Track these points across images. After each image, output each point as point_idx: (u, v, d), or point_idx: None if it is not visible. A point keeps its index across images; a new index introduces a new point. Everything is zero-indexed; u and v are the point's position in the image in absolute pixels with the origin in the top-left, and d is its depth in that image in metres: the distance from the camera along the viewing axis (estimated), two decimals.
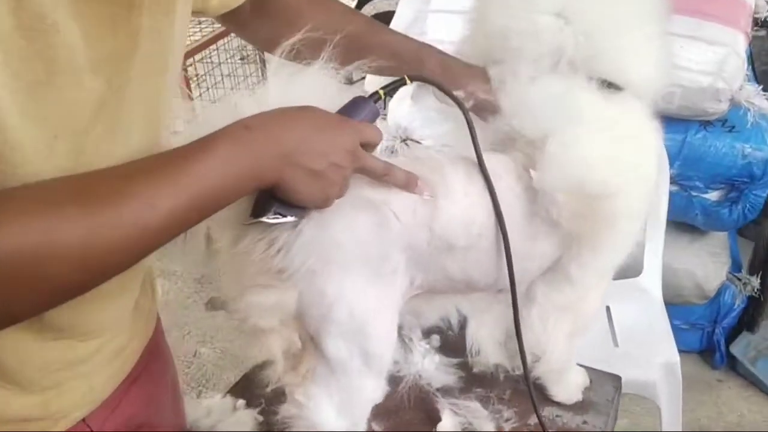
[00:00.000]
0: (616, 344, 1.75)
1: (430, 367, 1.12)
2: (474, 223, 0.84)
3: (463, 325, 1.02)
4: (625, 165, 0.89)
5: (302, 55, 0.77)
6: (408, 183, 0.79)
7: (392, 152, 1.95)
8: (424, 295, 0.90)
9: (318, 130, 0.69)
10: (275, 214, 0.70)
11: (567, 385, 1.06)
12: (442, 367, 1.12)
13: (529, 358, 0.95)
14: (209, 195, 0.62)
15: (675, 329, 1.89)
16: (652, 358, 1.70)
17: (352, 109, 0.78)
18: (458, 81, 0.92)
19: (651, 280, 1.90)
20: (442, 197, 0.82)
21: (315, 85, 0.77)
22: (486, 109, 0.92)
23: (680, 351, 1.79)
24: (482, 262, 0.87)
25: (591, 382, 1.10)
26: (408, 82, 0.82)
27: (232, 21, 0.98)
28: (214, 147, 0.62)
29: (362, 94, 0.80)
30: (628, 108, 0.92)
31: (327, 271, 0.76)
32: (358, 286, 0.78)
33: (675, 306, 2.17)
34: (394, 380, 1.02)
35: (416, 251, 0.82)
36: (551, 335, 0.97)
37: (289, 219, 0.72)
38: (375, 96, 0.80)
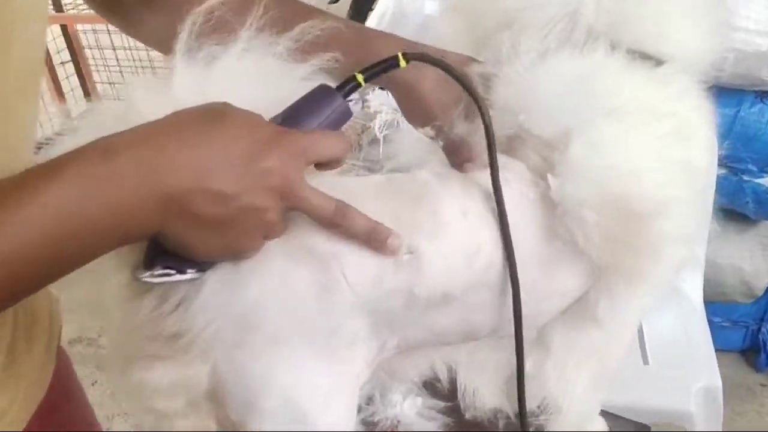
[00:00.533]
0: (645, 362, 1.50)
1: (410, 411, 0.91)
2: (479, 252, 0.63)
3: (451, 372, 0.81)
4: (678, 172, 0.66)
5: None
6: (371, 239, 0.57)
7: (396, 126, 1.71)
8: (401, 352, 0.68)
9: (225, 154, 0.49)
10: (164, 269, 0.51)
11: None
12: (426, 411, 0.92)
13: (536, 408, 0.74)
14: (66, 234, 0.45)
15: (714, 327, 1.64)
16: (690, 381, 1.45)
17: (306, 107, 0.56)
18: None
19: (691, 282, 1.64)
20: (430, 240, 0.60)
21: (245, 71, 0.56)
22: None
23: (718, 350, 1.54)
24: (490, 302, 0.66)
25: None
26: (402, 62, 0.59)
27: (106, 7, 0.75)
28: (60, 175, 0.45)
29: (327, 83, 0.58)
30: (675, 88, 0.69)
31: (249, 342, 0.55)
32: (295, 364, 0.57)
33: (715, 304, 1.94)
34: (366, 426, 0.86)
35: (388, 314, 0.61)
36: (569, 388, 0.75)
37: (183, 277, 0.52)
38: (348, 85, 0.58)
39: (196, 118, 0.50)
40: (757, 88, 1.79)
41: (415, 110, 0.73)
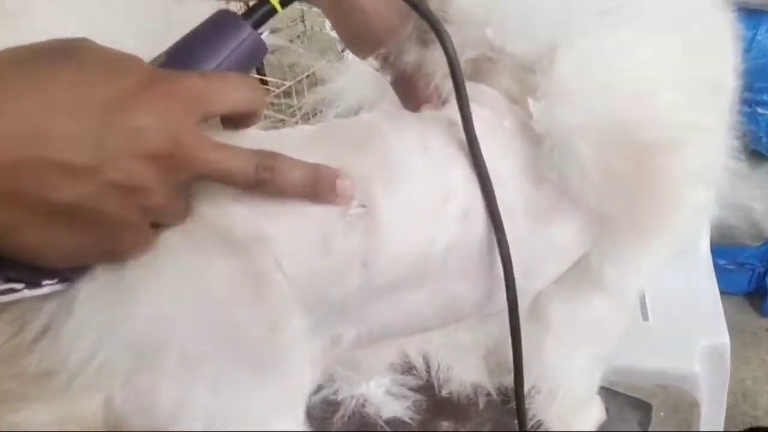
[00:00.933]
0: (645, 317, 1.35)
1: (378, 389, 0.77)
2: (449, 197, 0.48)
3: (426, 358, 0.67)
4: (699, 92, 0.51)
5: None
6: (315, 188, 0.42)
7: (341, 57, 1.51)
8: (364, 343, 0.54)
9: (73, 107, 0.33)
10: (5, 282, 0.35)
11: (580, 425, 0.70)
12: (396, 388, 0.77)
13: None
14: None
15: (718, 270, 1.50)
16: (695, 338, 1.31)
17: (200, 41, 0.41)
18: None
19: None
20: (384, 189, 0.46)
21: None
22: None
23: (723, 293, 1.41)
24: (471, 266, 0.51)
25: (607, 412, 0.75)
26: None
27: None
28: None
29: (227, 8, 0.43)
30: None
31: (152, 365, 0.40)
32: (218, 384, 0.42)
33: (720, 246, 1.80)
34: (328, 406, 0.72)
35: (340, 301, 0.47)
36: (568, 367, 0.61)
37: (37, 291, 0.36)
38: (259, 10, 0.43)
39: (35, 56, 0.34)
40: None
41: (353, 31, 0.57)
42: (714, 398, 1.33)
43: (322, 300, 0.45)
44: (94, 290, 0.38)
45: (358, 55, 0.59)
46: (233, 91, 0.39)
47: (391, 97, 0.60)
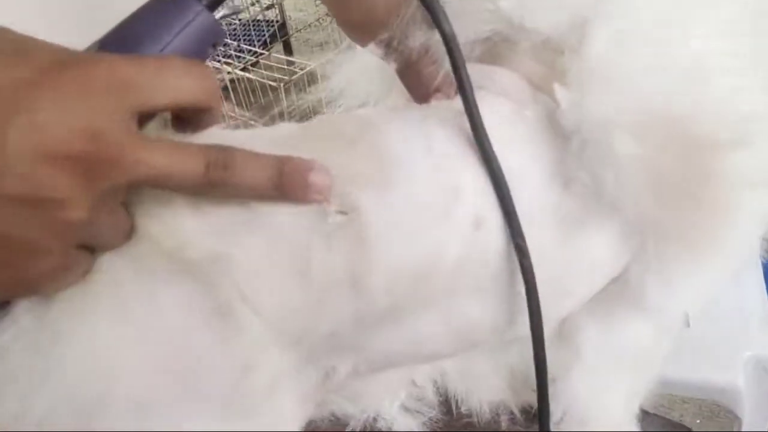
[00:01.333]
0: (686, 323, 1.23)
1: (391, 405, 0.68)
2: (457, 201, 0.40)
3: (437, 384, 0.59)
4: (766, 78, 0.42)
5: None
6: (283, 183, 0.34)
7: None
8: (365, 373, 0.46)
9: None
10: None
11: None
12: (412, 402, 0.68)
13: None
14: None
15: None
16: (739, 349, 1.20)
17: (141, 23, 0.34)
18: None
19: None
20: (376, 192, 0.38)
21: None
22: None
23: None
24: (486, 284, 0.42)
25: None
26: None
27: None
28: None
29: None
30: None
31: (98, 419, 0.32)
32: None
33: None
34: (336, 421, 0.62)
35: (328, 333, 0.39)
36: (602, 400, 0.52)
37: None
38: None
39: None
40: None
41: (350, 15, 0.49)
42: (757, 417, 1.23)
43: (307, 332, 0.37)
44: (16, 333, 0.31)
45: (357, 42, 0.51)
46: (175, 78, 0.31)
47: (400, 91, 0.52)
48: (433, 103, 0.46)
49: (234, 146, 0.33)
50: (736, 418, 1.17)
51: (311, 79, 1.77)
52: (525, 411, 0.66)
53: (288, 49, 2.26)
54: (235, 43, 2.05)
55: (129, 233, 0.33)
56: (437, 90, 0.47)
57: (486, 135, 0.39)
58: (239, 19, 2.09)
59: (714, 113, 0.39)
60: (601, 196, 0.41)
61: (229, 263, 0.34)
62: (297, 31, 2.29)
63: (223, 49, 2.00)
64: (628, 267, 0.46)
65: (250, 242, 0.34)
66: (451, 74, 0.44)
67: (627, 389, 0.52)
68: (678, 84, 0.40)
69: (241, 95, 2.12)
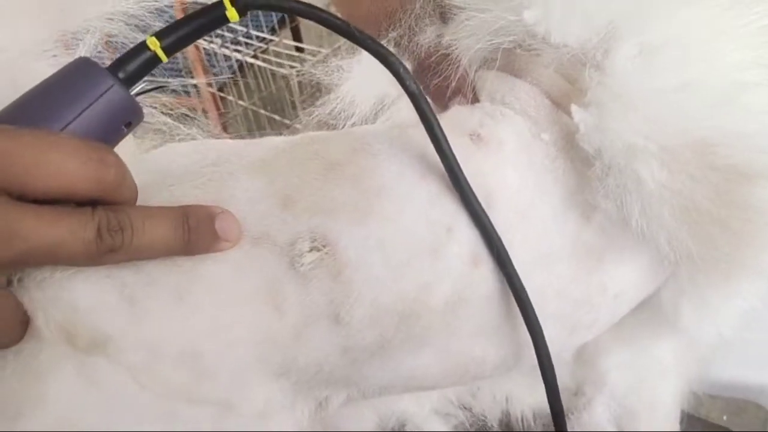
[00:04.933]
0: None
1: (421, 407, 0.65)
2: (450, 237, 0.37)
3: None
4: None
5: None
6: (189, 239, 0.31)
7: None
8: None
9: None
10: None
11: None
12: (443, 403, 0.65)
13: None
14: None
15: None
16: None
17: (46, 97, 0.30)
18: None
19: None
20: (354, 225, 0.35)
21: None
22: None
23: None
24: (487, 323, 0.40)
25: None
26: (231, 12, 0.32)
27: None
28: None
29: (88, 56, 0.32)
30: None
31: None
32: None
33: None
34: None
35: (313, 368, 0.36)
36: (635, 419, 0.49)
37: None
38: (133, 60, 0.32)
39: None
40: None
41: (357, 4, 0.46)
42: None
43: (291, 363, 0.35)
44: None
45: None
46: (59, 160, 0.27)
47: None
48: (446, 116, 0.43)
49: (126, 205, 0.30)
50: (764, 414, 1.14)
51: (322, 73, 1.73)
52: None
53: (297, 35, 2.22)
54: (244, 29, 2.01)
55: (20, 329, 0.29)
56: (458, 92, 0.44)
57: (467, 184, 0.36)
58: None
59: (747, 137, 0.36)
60: (627, 225, 0.38)
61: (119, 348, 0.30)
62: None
63: (231, 35, 1.97)
64: (659, 292, 0.43)
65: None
66: (468, 73, 0.41)
67: (667, 403, 0.49)
68: (708, 104, 0.36)
69: (250, 83, 2.09)
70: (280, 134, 0.41)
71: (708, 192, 0.36)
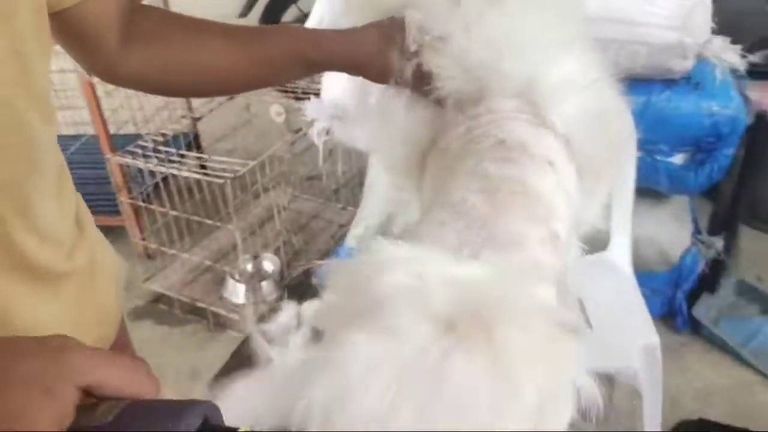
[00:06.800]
0: (589, 325, 1.60)
1: None
2: None
3: None
4: None
5: None
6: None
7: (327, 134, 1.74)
8: None
9: None
10: None
11: None
12: None
13: None
14: None
15: None
16: (631, 342, 1.57)
17: (148, 411, 0.39)
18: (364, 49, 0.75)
19: (620, 254, 1.76)
20: None
21: None
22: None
23: None
24: None
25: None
26: None
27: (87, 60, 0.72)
28: None
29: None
30: None
31: None
32: None
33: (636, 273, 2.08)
34: None
35: None
36: None
37: None
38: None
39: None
40: (664, 77, 1.92)
41: (367, 58, 0.75)
42: (653, 391, 1.58)
43: None
44: None
45: (378, 81, 0.79)
46: (113, 371, 0.40)
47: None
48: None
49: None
50: (638, 394, 1.49)
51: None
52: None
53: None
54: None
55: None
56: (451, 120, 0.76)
57: None
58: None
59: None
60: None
61: None
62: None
63: (140, 150, 2.24)
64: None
65: None
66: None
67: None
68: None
69: (175, 195, 2.29)
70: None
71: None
